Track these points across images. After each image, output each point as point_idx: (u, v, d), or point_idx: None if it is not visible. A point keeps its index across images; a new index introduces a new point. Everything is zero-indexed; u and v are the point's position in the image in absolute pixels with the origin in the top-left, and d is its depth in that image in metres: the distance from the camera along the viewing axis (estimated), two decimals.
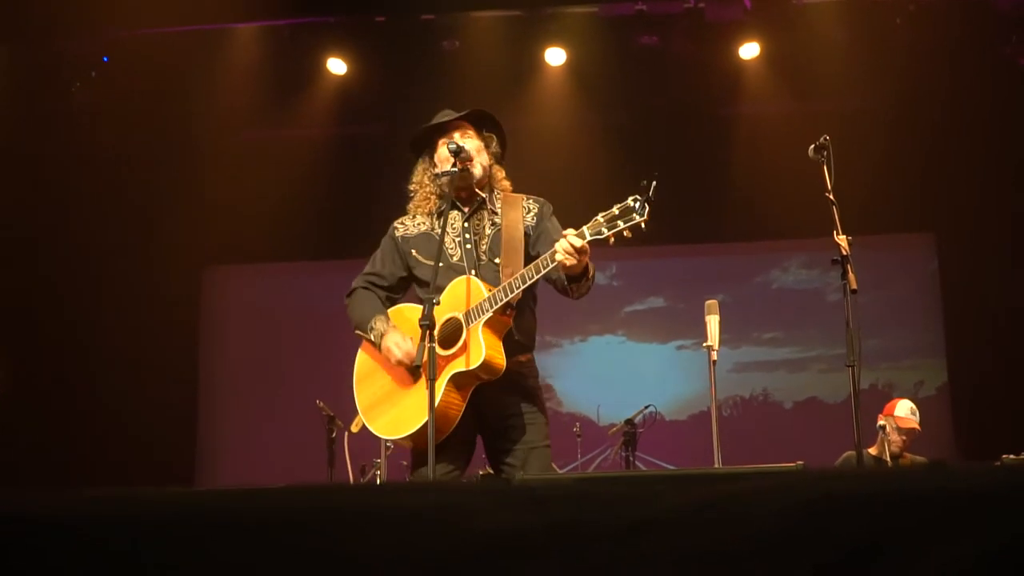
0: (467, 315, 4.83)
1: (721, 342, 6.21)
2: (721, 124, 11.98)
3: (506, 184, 5.27)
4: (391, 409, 5.01)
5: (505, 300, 4.76)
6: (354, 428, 5.31)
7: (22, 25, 10.50)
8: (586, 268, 4.71)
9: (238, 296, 13.25)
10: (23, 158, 11.14)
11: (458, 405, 4.84)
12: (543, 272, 4.70)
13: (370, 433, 5.22)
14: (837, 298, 10.76)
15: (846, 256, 5.25)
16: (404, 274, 5.30)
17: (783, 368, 12.53)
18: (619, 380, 12.31)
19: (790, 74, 11.34)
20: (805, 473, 2.24)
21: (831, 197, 5.40)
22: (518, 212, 5.11)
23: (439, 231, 5.02)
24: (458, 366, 4.79)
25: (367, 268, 5.42)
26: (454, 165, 4.99)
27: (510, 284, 4.77)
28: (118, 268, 11.80)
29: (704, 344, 6.18)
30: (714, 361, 6.15)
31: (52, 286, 11.52)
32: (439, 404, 4.69)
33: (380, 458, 8.61)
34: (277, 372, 12.76)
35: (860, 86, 11.32)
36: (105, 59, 11.34)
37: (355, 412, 5.24)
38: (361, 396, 5.18)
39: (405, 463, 9.28)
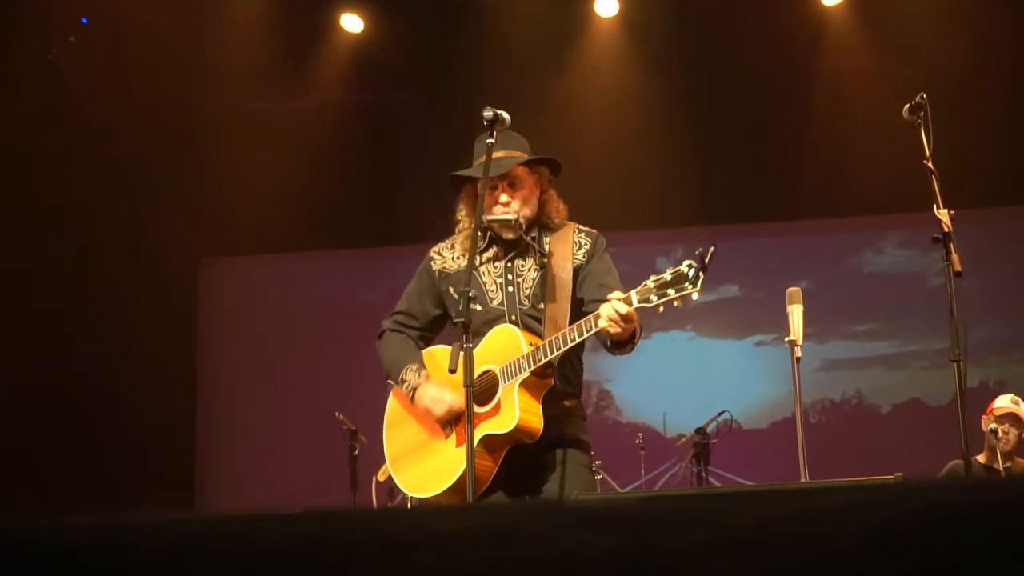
0: (504, 371, 4.95)
1: (806, 336, 6.20)
2: (801, 83, 11.91)
3: (559, 209, 5.34)
4: (419, 463, 5.14)
5: (544, 362, 4.87)
6: (380, 477, 5.41)
7: None
8: (632, 334, 4.86)
9: (240, 291, 13.35)
10: None
11: (488, 468, 4.94)
12: (585, 336, 4.81)
13: (380, 477, 5.32)
14: (940, 282, 10.71)
15: (949, 233, 5.23)
16: (439, 312, 5.42)
17: (878, 365, 12.50)
18: (688, 383, 12.32)
19: (882, 23, 11.29)
20: (904, 486, 2.25)
21: (930, 165, 5.39)
22: (567, 248, 5.20)
23: (481, 268, 5.20)
24: (490, 428, 4.91)
25: (399, 305, 5.53)
26: (491, 136, 4.96)
27: (550, 344, 4.87)
28: (105, 260, 11.91)
29: (786, 339, 6.18)
30: (798, 359, 6.14)
31: (29, 279, 11.56)
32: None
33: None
34: (286, 377, 12.87)
35: (965, 36, 11.24)
36: (85, 20, 11.37)
37: (383, 457, 5.35)
38: (390, 444, 5.33)
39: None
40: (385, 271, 12.61)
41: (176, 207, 11.86)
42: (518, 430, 4.85)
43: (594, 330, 4.74)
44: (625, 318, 4.64)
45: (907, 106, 5.49)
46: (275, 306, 13.11)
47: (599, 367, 11.63)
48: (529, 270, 5.19)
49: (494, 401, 4.93)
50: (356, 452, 9.37)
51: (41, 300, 11.59)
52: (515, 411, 4.84)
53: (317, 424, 11.19)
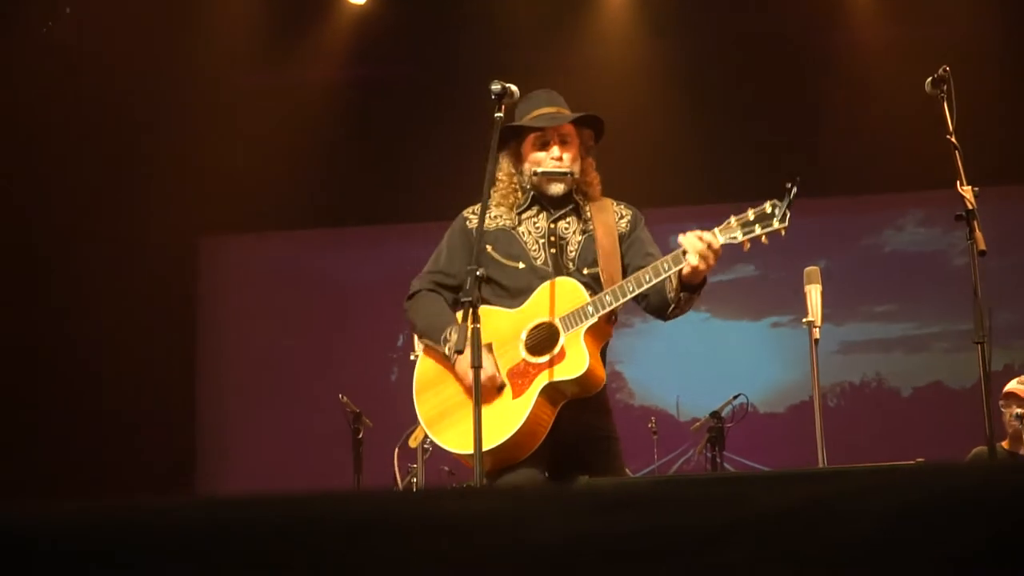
0: (565, 320, 4.94)
1: (824, 317, 6.21)
2: (818, 54, 11.89)
3: (597, 179, 5.36)
4: (464, 421, 4.95)
5: (614, 305, 4.90)
6: (412, 442, 5.34)
7: None
8: (705, 279, 4.92)
9: (240, 270, 13.38)
10: None
11: (545, 423, 4.94)
12: (663, 276, 4.85)
13: (412, 443, 5.28)
14: (963, 262, 10.68)
15: (972, 211, 5.21)
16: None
17: (899, 348, 12.49)
18: (702, 366, 12.33)
19: None
20: (923, 470, 2.27)
21: (953, 140, 5.37)
22: (609, 217, 5.24)
23: (520, 228, 5.20)
24: (558, 374, 4.89)
25: (429, 265, 5.40)
26: (499, 110, 4.94)
27: (621, 287, 4.90)
28: (99, 238, 11.92)
29: (804, 320, 6.19)
30: (816, 340, 6.15)
31: (22, 259, 11.59)
32: (527, 419, 4.83)
33: (416, 463, 8.64)
34: (287, 358, 12.90)
35: (992, 4, 11.22)
36: None
37: (410, 423, 5.30)
38: (424, 407, 5.21)
39: (446, 468, 9.36)
40: (388, 249, 12.66)
41: (174, 182, 11.86)
42: (589, 375, 4.87)
43: (675, 268, 4.80)
44: (714, 252, 4.76)
45: (929, 79, 5.46)
46: (276, 285, 13.13)
47: (610, 348, 11.62)
48: (574, 233, 5.21)
49: (556, 349, 4.92)
50: (360, 435, 9.37)
51: (33, 282, 11.60)
52: (584, 356, 4.85)
53: (320, 406, 11.22)
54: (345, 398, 9.51)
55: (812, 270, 6.27)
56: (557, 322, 4.93)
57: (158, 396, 12.12)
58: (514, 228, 5.22)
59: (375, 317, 12.46)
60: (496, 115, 4.93)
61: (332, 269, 13.05)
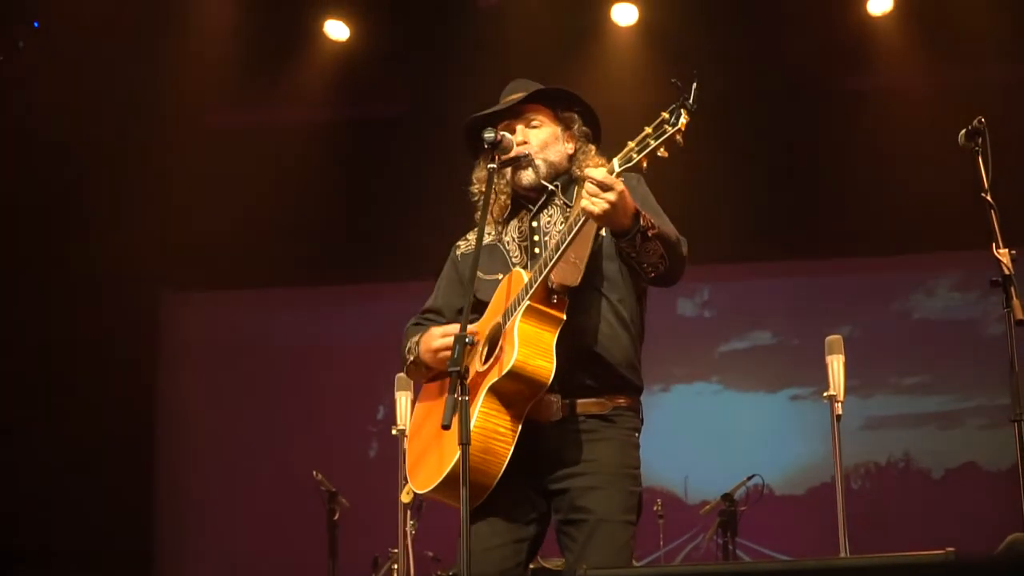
0: (506, 312, 4.77)
1: (848, 390, 6.24)
2: (843, 102, 11.97)
3: (591, 161, 5.12)
4: (430, 458, 4.89)
5: (541, 279, 4.67)
6: (403, 497, 5.25)
7: None
8: (636, 217, 4.58)
9: (205, 331, 13.39)
10: None
11: (504, 436, 4.67)
12: (575, 231, 4.59)
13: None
14: (999, 330, 10.72)
15: (1009, 276, 5.22)
16: (460, 303, 5.05)
17: (930, 424, 12.51)
18: (714, 442, 12.33)
19: (936, 36, 11.29)
20: (956, 563, 2.29)
21: (989, 198, 5.39)
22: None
23: (506, 237, 5.08)
24: (491, 376, 4.66)
25: (426, 303, 5.37)
26: (492, 160, 4.84)
27: (544, 260, 4.69)
28: (51, 293, 11.91)
29: (825, 393, 6.22)
30: (838, 416, 6.18)
31: None
32: (476, 433, 4.53)
33: (398, 548, 8.57)
34: (256, 430, 12.87)
35: None
36: (36, 24, 11.42)
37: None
38: (410, 454, 5.15)
39: (431, 554, 9.35)
40: (369, 311, 12.71)
41: (133, 232, 11.84)
42: (520, 367, 4.57)
43: (581, 220, 4.54)
44: (603, 186, 4.42)
45: (963, 131, 5.49)
46: (244, 348, 13.13)
47: None
48: (555, 223, 5.04)
49: (497, 348, 4.72)
50: (336, 516, 9.38)
51: None
52: (514, 346, 4.58)
53: (292, 484, 11.20)
54: (320, 475, 9.52)
55: (834, 339, 6.30)
56: (501, 318, 4.78)
57: (110, 471, 11.93)
58: (499, 240, 5.15)
59: (353, 385, 12.48)
60: (489, 166, 4.84)
61: (306, 331, 13.06)
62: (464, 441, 4.26)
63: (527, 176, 5.06)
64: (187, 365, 13.24)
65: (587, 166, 4.97)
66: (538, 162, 5.07)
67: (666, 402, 12.57)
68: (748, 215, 11.83)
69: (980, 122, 5.46)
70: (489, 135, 4.83)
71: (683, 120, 4.49)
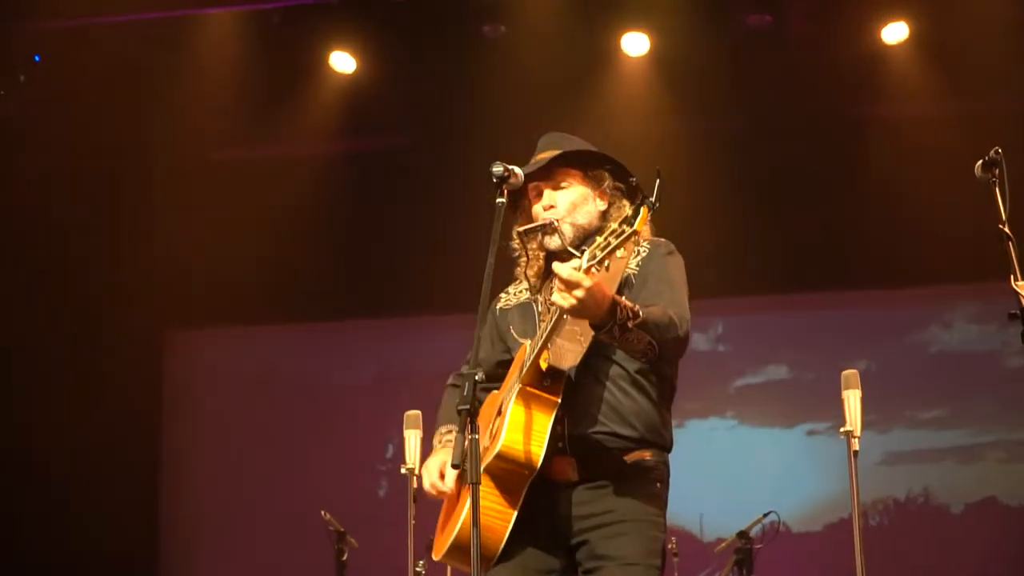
0: (510, 388, 4.79)
1: (865, 425, 6.24)
2: (858, 133, 11.96)
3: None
4: (449, 525, 4.94)
5: (530, 361, 4.68)
6: (435, 555, 5.27)
7: None
8: (613, 309, 4.43)
9: (212, 369, 13.39)
10: None
11: (502, 513, 4.70)
12: (552, 320, 4.62)
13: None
14: (1019, 363, 10.74)
15: None
16: (505, 357, 5.18)
17: (949, 458, 12.47)
18: (729, 479, 12.29)
19: (952, 65, 11.27)
20: None
21: (1006, 230, 5.37)
22: (623, 260, 4.73)
23: (540, 297, 5.07)
24: (488, 456, 4.66)
25: (468, 355, 5.18)
26: (501, 194, 4.74)
27: (534, 342, 4.73)
28: (53, 332, 11.95)
29: (842, 429, 6.21)
30: (856, 451, 6.17)
31: None
32: (471, 512, 4.45)
33: None
34: (263, 469, 12.85)
35: None
36: (37, 58, 11.46)
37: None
38: (440, 519, 5.18)
39: None
40: (379, 347, 12.72)
41: (138, 269, 11.87)
42: (505, 451, 4.60)
43: (557, 313, 4.54)
44: (568, 284, 4.29)
45: (980, 162, 5.48)
46: (251, 386, 13.12)
47: None
48: None
49: (495, 426, 4.75)
50: (344, 557, 9.34)
51: None
52: (503, 430, 4.61)
53: (299, 524, 11.18)
54: (328, 515, 9.48)
55: (850, 374, 6.30)
56: (506, 393, 4.80)
57: (116, 509, 11.97)
58: (533, 300, 5.15)
59: (362, 423, 12.48)
60: (498, 200, 4.74)
61: (315, 368, 13.04)
62: (475, 480, 4.24)
63: (553, 242, 5.03)
64: (193, 404, 13.23)
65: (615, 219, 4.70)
66: (564, 227, 5.02)
67: (680, 438, 12.25)
68: (762, 247, 11.83)
69: (997, 152, 5.45)
70: (497, 169, 4.75)
71: (640, 219, 4.37)
